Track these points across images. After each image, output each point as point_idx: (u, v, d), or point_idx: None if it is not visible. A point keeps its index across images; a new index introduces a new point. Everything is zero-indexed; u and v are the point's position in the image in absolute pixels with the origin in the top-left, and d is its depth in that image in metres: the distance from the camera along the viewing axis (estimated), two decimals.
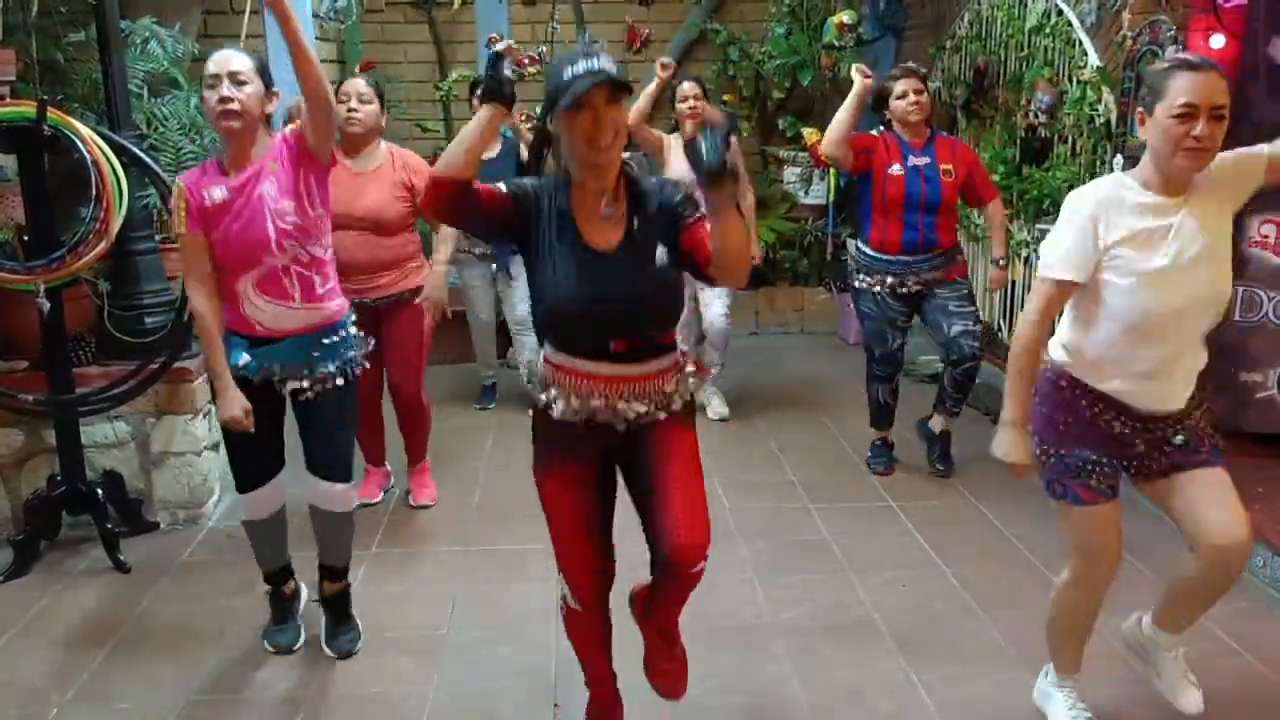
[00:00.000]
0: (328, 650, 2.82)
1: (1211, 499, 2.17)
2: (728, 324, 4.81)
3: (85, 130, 3.21)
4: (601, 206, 1.99)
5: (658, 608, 2.21)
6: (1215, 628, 2.89)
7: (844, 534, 3.56)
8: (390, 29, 6.62)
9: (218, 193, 2.53)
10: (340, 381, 2.69)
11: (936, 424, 4.15)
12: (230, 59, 2.50)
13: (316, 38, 5.63)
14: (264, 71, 2.56)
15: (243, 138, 2.53)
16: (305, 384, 2.65)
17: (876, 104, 3.95)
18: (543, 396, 2.09)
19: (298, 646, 2.85)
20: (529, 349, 4.82)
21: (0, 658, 2.84)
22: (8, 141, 3.22)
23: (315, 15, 5.61)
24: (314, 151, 2.57)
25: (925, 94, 3.85)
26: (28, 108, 3.15)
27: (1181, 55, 2.08)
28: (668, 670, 2.33)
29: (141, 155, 3.39)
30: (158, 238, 3.68)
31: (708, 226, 1.91)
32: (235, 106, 2.47)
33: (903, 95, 3.81)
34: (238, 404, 2.55)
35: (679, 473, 2.06)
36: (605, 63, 1.87)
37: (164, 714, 2.56)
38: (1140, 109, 2.07)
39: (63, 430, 3.41)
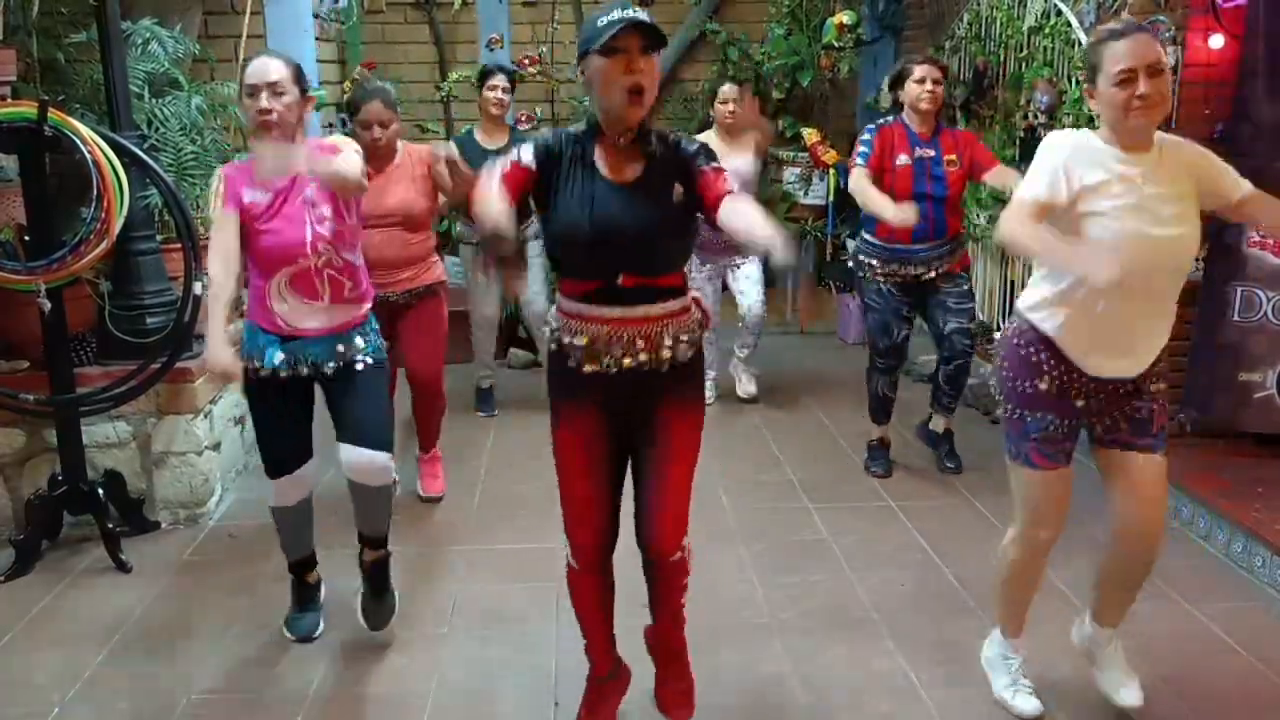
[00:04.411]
0: (363, 623, 2.85)
1: (1141, 488, 2.28)
2: (764, 309, 4.95)
3: (86, 130, 3.21)
4: (619, 141, 2.04)
5: (653, 599, 2.32)
6: (1215, 628, 2.90)
7: (844, 534, 3.56)
8: (390, 29, 6.62)
9: (259, 196, 2.59)
10: (370, 360, 2.75)
11: (938, 424, 4.17)
12: (268, 69, 2.54)
13: (316, 38, 5.63)
14: (300, 77, 2.61)
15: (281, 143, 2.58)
16: (334, 367, 2.70)
17: (893, 84, 3.95)
18: (555, 343, 2.16)
19: (317, 634, 2.88)
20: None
21: (1, 657, 2.84)
22: (9, 142, 3.23)
23: (315, 15, 5.62)
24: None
25: (942, 85, 3.84)
26: (29, 108, 3.15)
27: (1107, 27, 2.18)
28: (673, 691, 2.43)
29: (142, 155, 3.39)
30: (159, 238, 3.68)
31: (724, 177, 2.04)
32: (274, 117, 2.53)
33: (921, 80, 3.79)
34: (227, 353, 2.53)
35: (669, 470, 2.19)
36: (641, 14, 1.92)
37: (164, 714, 2.56)
38: (1087, 85, 2.17)
39: (64, 430, 3.41)
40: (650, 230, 2.05)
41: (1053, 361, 2.25)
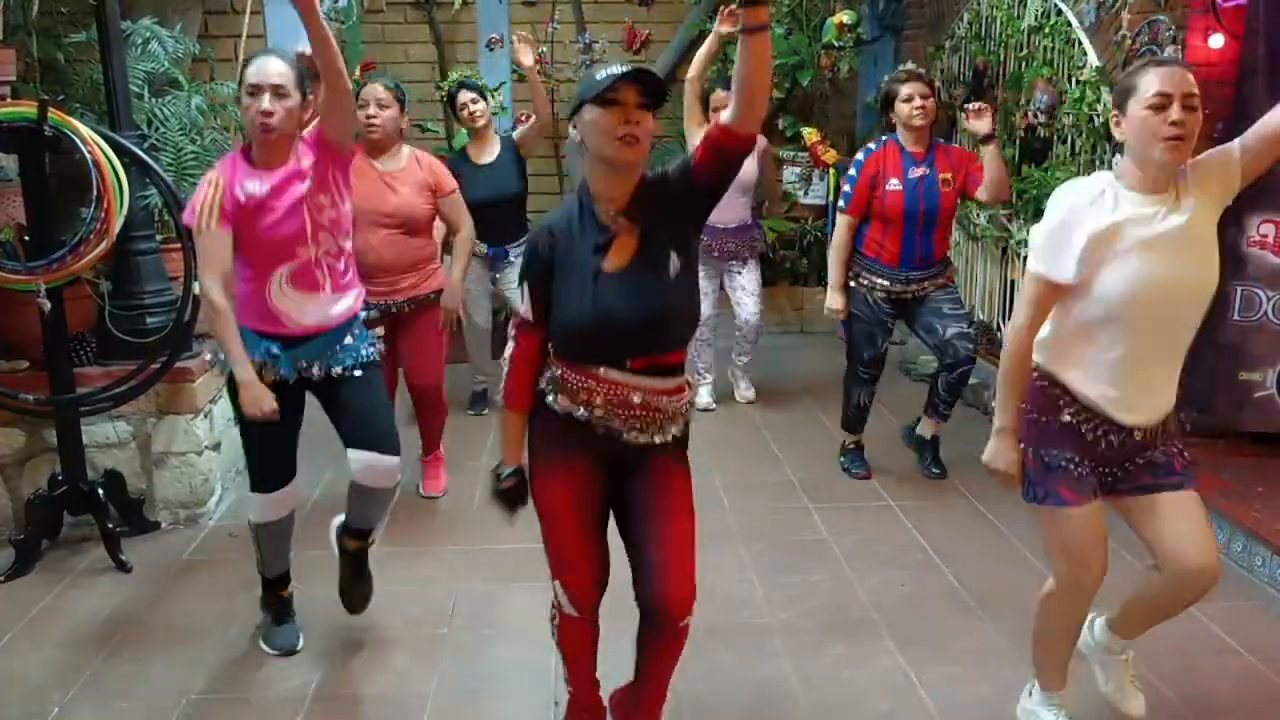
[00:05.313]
0: (342, 604, 2.85)
1: (1182, 527, 2.15)
2: (759, 320, 4.98)
3: (86, 130, 3.21)
4: (611, 218, 1.98)
5: (645, 672, 2.20)
6: (1215, 627, 2.90)
7: (844, 534, 3.56)
8: (390, 29, 6.62)
9: (254, 186, 2.54)
10: (365, 362, 2.73)
11: (926, 429, 4.13)
12: (270, 70, 2.49)
13: None
14: (303, 81, 2.58)
15: (279, 144, 2.56)
16: (335, 370, 2.69)
17: (883, 106, 3.93)
18: (550, 397, 2.06)
19: (300, 647, 2.85)
20: None
21: (2, 657, 2.84)
22: (9, 142, 3.23)
23: None
24: (335, 143, 2.60)
25: (931, 98, 3.77)
26: (29, 108, 3.15)
27: (1148, 57, 2.18)
28: None
29: (142, 155, 3.39)
30: (159, 238, 3.68)
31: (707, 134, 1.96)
32: (274, 121, 2.49)
33: (908, 99, 3.74)
34: (266, 399, 2.53)
35: (674, 522, 2.08)
36: (646, 67, 1.90)
37: (164, 714, 2.56)
38: (1115, 112, 2.11)
39: (64, 430, 3.41)
40: (656, 316, 1.99)
41: (1070, 396, 2.17)
